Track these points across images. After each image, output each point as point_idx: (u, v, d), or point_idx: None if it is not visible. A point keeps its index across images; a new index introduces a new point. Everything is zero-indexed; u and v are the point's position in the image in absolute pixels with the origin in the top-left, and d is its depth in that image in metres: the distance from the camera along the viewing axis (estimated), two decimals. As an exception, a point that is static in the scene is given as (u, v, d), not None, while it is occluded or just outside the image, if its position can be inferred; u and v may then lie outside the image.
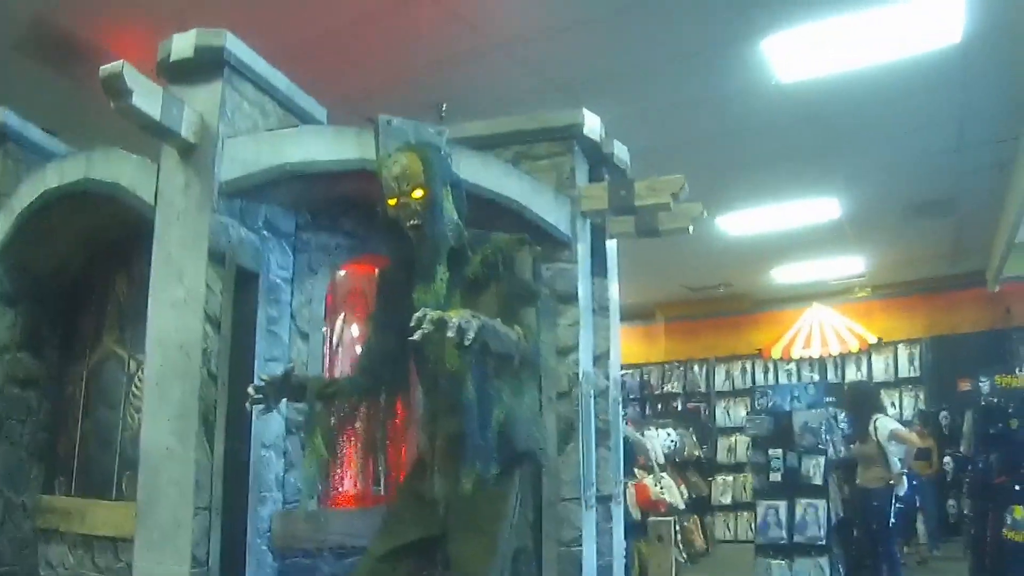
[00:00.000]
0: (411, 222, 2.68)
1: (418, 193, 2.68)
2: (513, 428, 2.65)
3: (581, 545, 3.63)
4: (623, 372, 12.40)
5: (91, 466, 4.09)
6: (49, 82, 6.06)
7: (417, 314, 2.22)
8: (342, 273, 4.00)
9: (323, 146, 3.40)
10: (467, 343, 2.20)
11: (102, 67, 2.97)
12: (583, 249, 3.93)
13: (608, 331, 4.13)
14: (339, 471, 3.74)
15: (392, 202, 2.71)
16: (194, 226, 3.28)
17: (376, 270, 3.99)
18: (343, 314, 4.01)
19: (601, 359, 4.10)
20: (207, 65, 3.40)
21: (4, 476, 4.19)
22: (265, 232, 3.55)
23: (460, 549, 2.58)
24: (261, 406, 2.74)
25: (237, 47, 3.42)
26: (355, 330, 4.02)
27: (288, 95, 3.74)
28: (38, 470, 4.35)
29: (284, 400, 2.84)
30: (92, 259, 4.51)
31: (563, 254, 3.83)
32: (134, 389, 3.81)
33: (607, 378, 4.10)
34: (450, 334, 2.18)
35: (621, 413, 4.30)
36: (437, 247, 2.71)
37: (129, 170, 3.67)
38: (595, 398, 3.97)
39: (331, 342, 4.00)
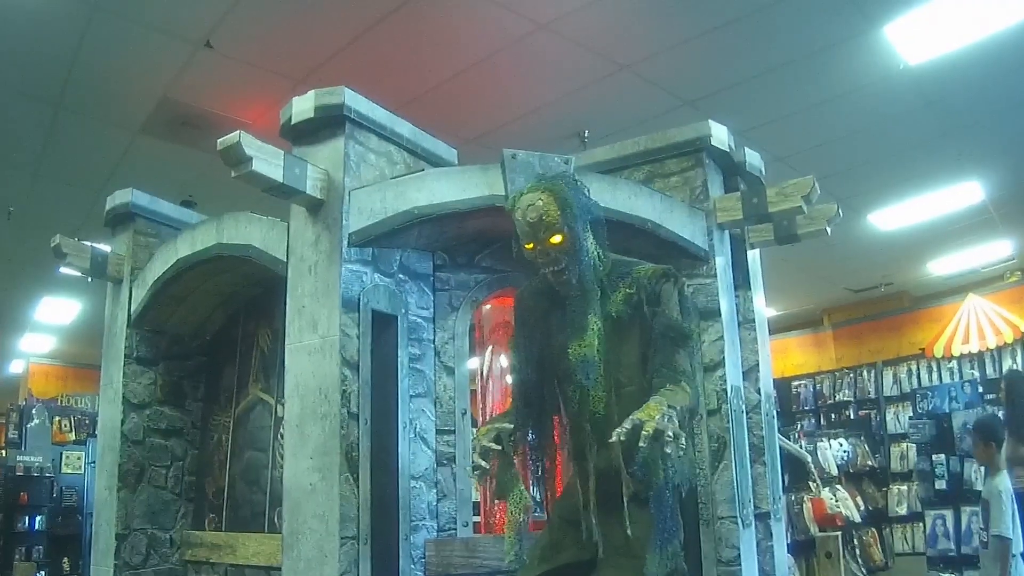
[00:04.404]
0: (551, 268, 2.56)
1: (556, 239, 2.52)
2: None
3: (741, 564, 3.48)
4: (797, 383, 12.27)
5: (241, 503, 4.29)
6: (185, 156, 6.37)
7: (627, 425, 2.09)
8: (487, 307, 4.02)
9: (448, 187, 3.39)
10: (681, 448, 2.10)
11: (219, 139, 3.02)
12: (722, 262, 3.80)
13: (756, 344, 3.96)
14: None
15: (529, 246, 2.58)
16: (325, 277, 3.34)
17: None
18: (491, 346, 4.07)
19: (751, 373, 3.93)
20: (328, 122, 3.45)
21: (149, 516, 4.45)
22: (401, 275, 3.58)
23: (612, 574, 2.51)
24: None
25: (356, 101, 3.47)
26: (504, 360, 4.05)
27: (414, 140, 3.76)
28: (186, 509, 4.63)
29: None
30: (233, 316, 4.70)
31: (702, 269, 3.72)
32: (282, 431, 3.90)
33: (759, 392, 3.93)
34: (668, 450, 2.07)
35: (776, 426, 4.12)
36: (585, 294, 2.59)
37: (259, 231, 3.78)
38: (747, 413, 3.82)
39: (482, 374, 4.08)
